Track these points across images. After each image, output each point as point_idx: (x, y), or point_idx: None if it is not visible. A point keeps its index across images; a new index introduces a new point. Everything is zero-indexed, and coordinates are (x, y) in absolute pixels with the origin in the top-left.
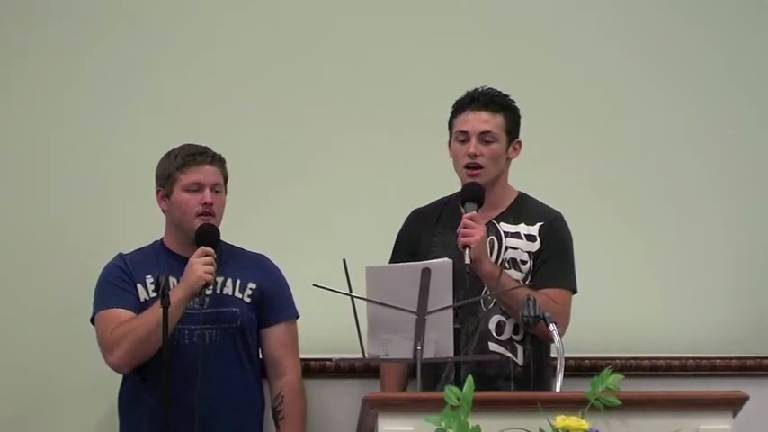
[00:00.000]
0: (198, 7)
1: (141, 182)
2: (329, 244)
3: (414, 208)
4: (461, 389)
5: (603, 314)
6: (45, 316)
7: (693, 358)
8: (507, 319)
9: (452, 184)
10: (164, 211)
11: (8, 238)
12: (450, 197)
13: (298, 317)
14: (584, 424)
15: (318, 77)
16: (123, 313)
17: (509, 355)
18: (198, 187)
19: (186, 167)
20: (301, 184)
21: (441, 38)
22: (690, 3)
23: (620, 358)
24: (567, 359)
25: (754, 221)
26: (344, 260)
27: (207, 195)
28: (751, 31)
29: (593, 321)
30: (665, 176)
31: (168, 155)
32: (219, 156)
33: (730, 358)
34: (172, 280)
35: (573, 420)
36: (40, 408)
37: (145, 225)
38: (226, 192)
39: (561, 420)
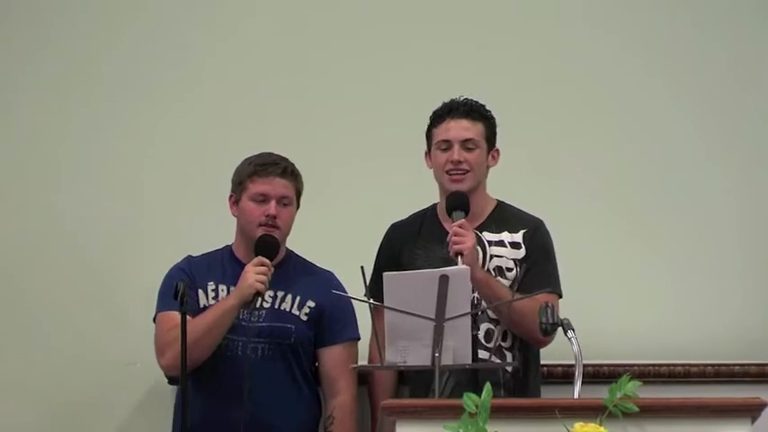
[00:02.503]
0: (223, 14)
1: (163, 187)
2: (348, 251)
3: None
4: (453, 397)
5: (621, 321)
6: (65, 322)
7: (712, 365)
8: (496, 327)
9: None
10: (234, 216)
11: (24, 243)
12: (426, 210)
13: (359, 339)
14: (603, 431)
15: (343, 86)
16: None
17: (498, 361)
18: (264, 198)
19: (256, 177)
20: (320, 192)
21: (458, 47)
22: (695, 1)
23: (638, 365)
24: (585, 365)
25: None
26: (362, 267)
27: (272, 207)
28: (757, 29)
29: (611, 328)
30: (679, 182)
31: (245, 161)
32: (293, 169)
33: (749, 365)
34: (233, 289)
35: (591, 427)
36: (65, 415)
37: (168, 233)
38: (298, 205)
39: (580, 427)
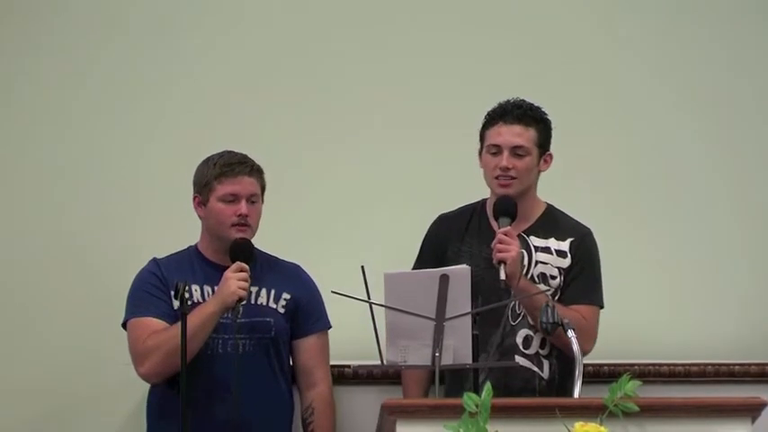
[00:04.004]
0: (218, 10)
1: (158, 185)
2: (348, 250)
3: (438, 212)
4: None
5: (622, 320)
6: (61, 322)
7: (712, 364)
8: (535, 334)
9: (473, 189)
10: (200, 218)
11: (20, 243)
12: (475, 205)
13: (330, 328)
14: (603, 430)
15: (338, 79)
16: (156, 323)
17: (535, 369)
18: (234, 198)
19: (224, 177)
20: (319, 190)
21: (462, 40)
22: (700, 4)
23: (638, 365)
24: (585, 365)
25: None
26: (363, 267)
27: (243, 207)
28: (758, 29)
29: (612, 328)
30: (680, 181)
31: (207, 161)
32: (258, 166)
33: (749, 364)
34: (207, 289)
35: (592, 427)
36: (58, 415)
37: (163, 230)
38: (263, 201)
39: (580, 427)
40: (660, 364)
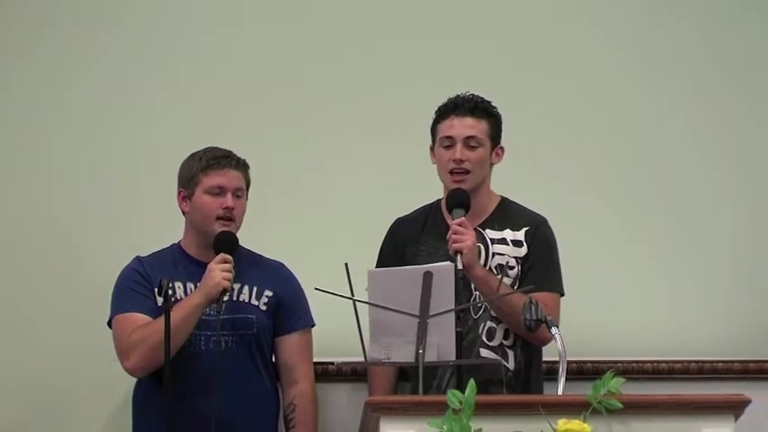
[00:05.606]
0: (209, 11)
1: (150, 184)
2: (332, 248)
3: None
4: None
5: (606, 317)
6: (53, 320)
7: (696, 362)
8: (498, 325)
9: None
10: (184, 213)
11: (15, 242)
12: (431, 205)
13: (313, 326)
14: (587, 427)
15: (326, 83)
16: (140, 318)
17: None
18: (220, 191)
19: (210, 170)
20: (305, 189)
21: (448, 46)
22: (699, 3)
23: (622, 362)
24: (569, 362)
25: (757, 224)
26: (346, 264)
27: (229, 200)
28: (756, 28)
29: (596, 325)
30: (667, 179)
31: (192, 156)
32: (243, 161)
33: (732, 361)
34: (189, 285)
35: (575, 424)
36: (48, 411)
37: (154, 229)
38: (247, 197)
39: (563, 424)
40: (644, 362)
